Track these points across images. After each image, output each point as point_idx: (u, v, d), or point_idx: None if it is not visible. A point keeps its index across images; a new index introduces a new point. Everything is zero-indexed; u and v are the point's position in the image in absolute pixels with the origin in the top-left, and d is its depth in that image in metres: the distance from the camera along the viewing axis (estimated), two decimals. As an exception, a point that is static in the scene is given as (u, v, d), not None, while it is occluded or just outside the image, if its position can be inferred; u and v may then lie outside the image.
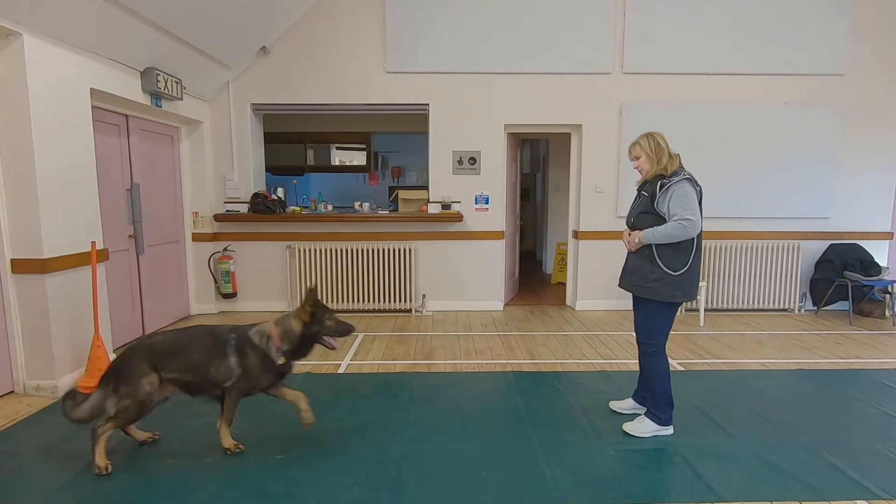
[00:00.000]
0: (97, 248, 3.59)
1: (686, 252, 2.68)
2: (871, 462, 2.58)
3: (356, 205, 5.95)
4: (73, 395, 2.47)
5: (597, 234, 5.76)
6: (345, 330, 2.61)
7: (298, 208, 5.73)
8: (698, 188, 2.70)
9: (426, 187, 5.80)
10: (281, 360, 2.57)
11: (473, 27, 5.42)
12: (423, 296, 5.75)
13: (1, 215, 3.25)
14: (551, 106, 5.60)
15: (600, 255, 5.73)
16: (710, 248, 5.66)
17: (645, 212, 2.75)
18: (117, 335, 4.20)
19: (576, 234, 5.93)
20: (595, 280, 5.80)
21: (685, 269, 2.69)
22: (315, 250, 5.58)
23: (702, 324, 5.24)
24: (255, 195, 5.51)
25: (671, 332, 2.87)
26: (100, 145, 3.95)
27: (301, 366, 3.31)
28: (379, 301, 5.67)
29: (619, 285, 2.95)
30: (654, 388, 2.83)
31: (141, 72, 4.24)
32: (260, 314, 5.55)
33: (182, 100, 4.77)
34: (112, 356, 3.83)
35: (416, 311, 5.72)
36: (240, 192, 5.60)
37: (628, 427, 2.88)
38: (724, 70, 5.55)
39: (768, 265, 5.75)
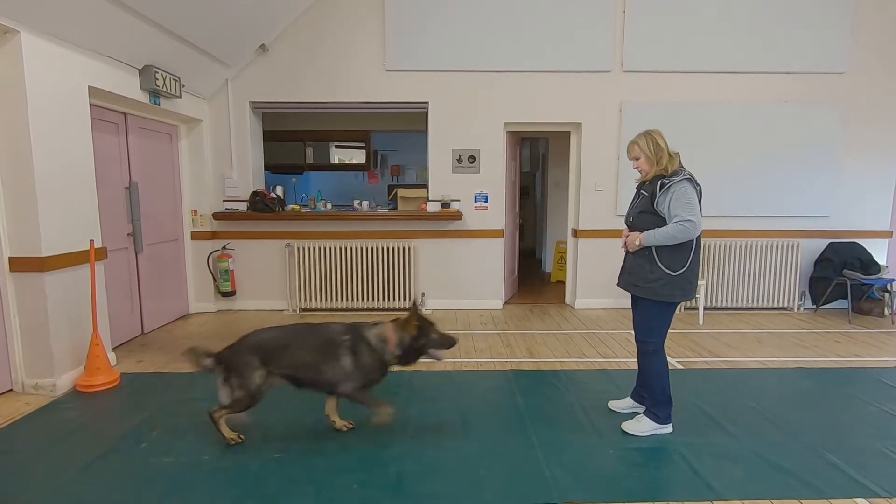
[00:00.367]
0: (96, 246, 3.58)
1: (685, 252, 2.68)
2: (870, 460, 2.58)
3: (355, 203, 5.94)
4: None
5: (596, 233, 5.75)
6: (449, 343, 2.70)
7: (298, 207, 5.72)
8: (698, 188, 2.69)
9: (425, 186, 5.79)
10: (393, 365, 2.68)
11: (473, 26, 5.41)
12: (423, 294, 5.75)
13: (-1, 214, 3.24)
14: (551, 104, 5.59)
15: (600, 253, 5.72)
16: (709, 247, 5.66)
17: (644, 211, 2.74)
18: (116, 334, 4.19)
19: (575, 233, 5.93)
20: (594, 278, 5.80)
21: (684, 268, 2.68)
22: (314, 249, 5.57)
23: (701, 322, 5.24)
24: (254, 193, 5.50)
25: (670, 331, 2.87)
26: (98, 143, 3.94)
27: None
28: (378, 300, 5.66)
29: (618, 285, 2.94)
30: (652, 387, 2.84)
31: (139, 70, 4.22)
32: (259, 313, 5.55)
33: (181, 98, 4.75)
34: (111, 355, 3.83)
35: (415, 309, 5.71)
36: (239, 190, 5.59)
37: (627, 426, 2.88)
38: (723, 68, 5.54)
39: (768, 264, 5.75)
